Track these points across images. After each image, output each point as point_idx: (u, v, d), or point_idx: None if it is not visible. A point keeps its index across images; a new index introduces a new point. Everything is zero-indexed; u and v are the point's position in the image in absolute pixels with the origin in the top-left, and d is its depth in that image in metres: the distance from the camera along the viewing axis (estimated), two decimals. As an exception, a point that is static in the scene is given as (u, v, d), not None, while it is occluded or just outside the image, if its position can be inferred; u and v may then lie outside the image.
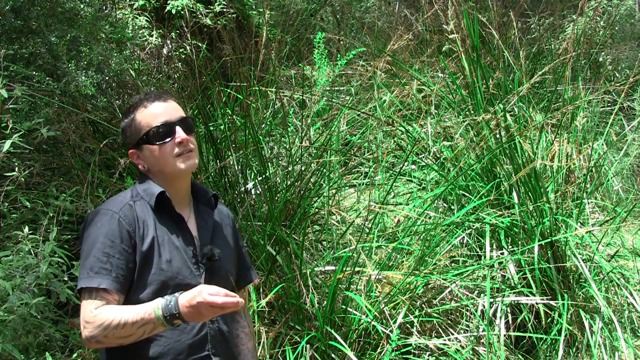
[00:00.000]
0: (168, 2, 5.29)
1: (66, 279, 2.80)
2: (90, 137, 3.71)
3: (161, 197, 1.84)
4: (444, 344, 3.16)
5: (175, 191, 1.89)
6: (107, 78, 3.96)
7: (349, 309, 3.14)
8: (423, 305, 3.30)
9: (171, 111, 1.87)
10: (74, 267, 2.82)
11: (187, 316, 1.63)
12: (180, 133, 1.83)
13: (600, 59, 6.28)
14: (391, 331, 2.95)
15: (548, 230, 3.59)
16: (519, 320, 3.41)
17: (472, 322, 3.37)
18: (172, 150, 1.83)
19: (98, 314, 1.66)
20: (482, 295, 3.39)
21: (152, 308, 1.64)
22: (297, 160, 3.85)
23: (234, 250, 2.03)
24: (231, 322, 1.92)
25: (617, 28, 6.83)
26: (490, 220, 3.66)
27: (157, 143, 1.83)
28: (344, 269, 3.16)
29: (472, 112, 4.42)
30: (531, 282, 3.44)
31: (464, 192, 4.07)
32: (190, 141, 1.85)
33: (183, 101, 4.05)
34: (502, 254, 3.61)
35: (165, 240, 1.81)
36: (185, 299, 1.63)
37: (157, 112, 1.85)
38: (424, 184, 4.37)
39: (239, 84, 4.53)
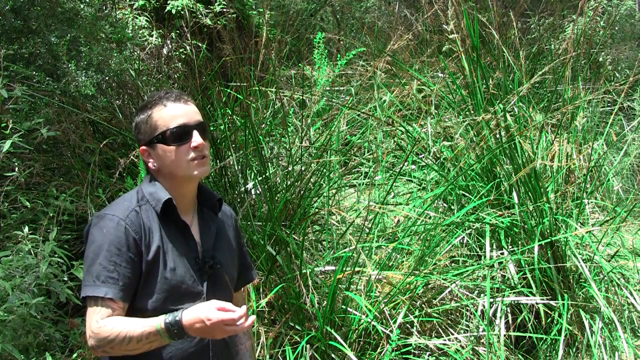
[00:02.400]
0: (168, 2, 5.29)
1: (66, 279, 2.80)
2: (90, 137, 3.71)
3: (167, 204, 1.81)
4: (444, 344, 3.16)
5: (181, 195, 1.86)
6: (107, 78, 3.97)
7: (349, 309, 3.14)
8: (423, 305, 3.30)
9: (190, 114, 1.83)
10: (74, 267, 2.83)
11: (196, 334, 1.64)
12: (197, 137, 1.80)
13: (600, 59, 6.28)
14: (391, 331, 2.95)
15: (548, 230, 3.59)
16: (519, 320, 3.41)
17: (472, 322, 3.37)
18: (186, 154, 1.80)
19: (103, 326, 1.65)
20: (482, 295, 3.39)
21: (156, 328, 1.63)
22: (297, 160, 3.85)
23: (236, 253, 2.01)
24: None
25: (617, 28, 6.84)
26: (490, 220, 3.66)
27: (173, 144, 1.80)
28: (344, 269, 3.16)
29: (472, 112, 4.42)
30: (531, 282, 3.43)
31: (464, 192, 4.07)
32: (206, 147, 1.83)
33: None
34: (502, 254, 3.61)
35: (169, 248, 1.79)
36: (191, 323, 1.61)
37: (176, 113, 1.82)
38: (424, 184, 4.37)
39: (239, 84, 4.53)
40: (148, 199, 1.82)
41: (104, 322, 1.65)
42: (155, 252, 1.75)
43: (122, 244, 1.72)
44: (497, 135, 3.99)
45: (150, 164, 1.86)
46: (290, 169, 3.84)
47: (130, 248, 1.72)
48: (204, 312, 1.60)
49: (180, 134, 1.80)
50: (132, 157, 3.15)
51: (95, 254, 1.72)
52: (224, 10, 5.33)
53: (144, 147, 1.86)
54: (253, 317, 1.63)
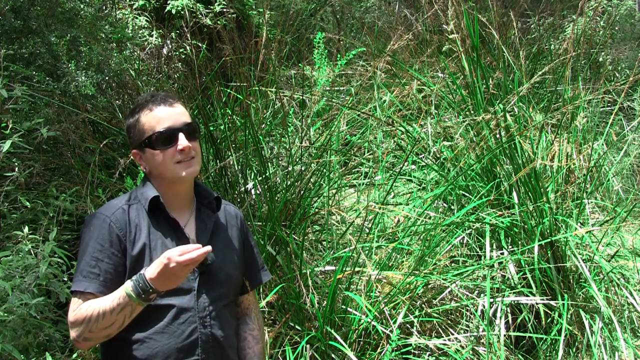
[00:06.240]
0: (168, 2, 5.29)
1: (66, 279, 2.80)
2: (90, 137, 3.71)
3: (154, 202, 1.84)
4: (444, 344, 3.16)
5: (174, 195, 1.89)
6: (107, 78, 3.96)
7: (349, 309, 3.14)
8: (423, 305, 3.30)
9: (175, 116, 1.85)
10: (73, 267, 2.83)
11: (162, 286, 1.65)
12: (182, 140, 1.82)
13: (600, 59, 6.28)
14: (391, 331, 2.95)
15: (548, 230, 3.59)
16: (519, 320, 3.41)
17: (472, 322, 3.37)
18: (173, 157, 1.82)
19: (78, 311, 1.70)
20: (482, 295, 3.39)
21: (124, 292, 1.66)
22: (297, 160, 3.85)
23: (240, 252, 2.00)
24: (228, 327, 1.90)
25: (617, 28, 6.84)
26: (490, 220, 3.66)
27: (159, 148, 1.83)
28: (344, 269, 3.16)
29: (472, 112, 4.41)
30: (531, 282, 3.43)
31: (464, 192, 4.07)
32: (193, 148, 1.84)
33: (183, 101, 4.04)
34: (502, 254, 3.61)
35: (159, 244, 1.81)
36: (153, 271, 1.64)
37: (161, 117, 1.84)
38: (424, 184, 4.37)
39: (239, 84, 4.53)
40: (139, 198, 1.87)
41: (79, 309, 1.71)
42: (140, 248, 1.78)
43: (105, 240, 1.77)
44: (497, 135, 3.99)
45: (142, 167, 1.91)
46: (290, 169, 3.84)
47: (113, 244, 1.77)
48: (164, 254, 1.64)
49: (166, 138, 1.82)
50: (132, 157, 3.15)
51: (82, 251, 1.78)
52: (224, 10, 5.33)
53: (134, 151, 1.91)
54: (208, 248, 1.63)
